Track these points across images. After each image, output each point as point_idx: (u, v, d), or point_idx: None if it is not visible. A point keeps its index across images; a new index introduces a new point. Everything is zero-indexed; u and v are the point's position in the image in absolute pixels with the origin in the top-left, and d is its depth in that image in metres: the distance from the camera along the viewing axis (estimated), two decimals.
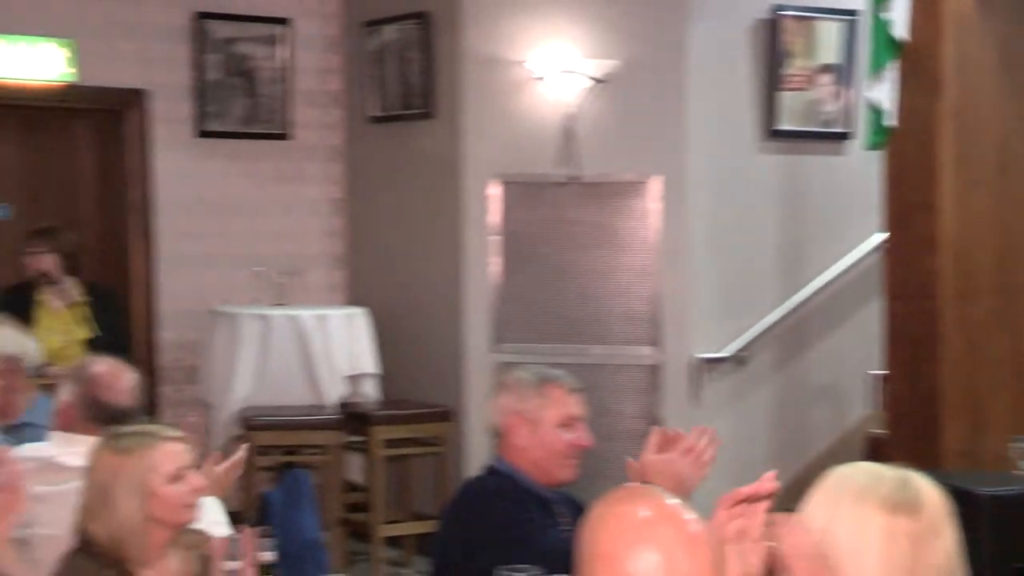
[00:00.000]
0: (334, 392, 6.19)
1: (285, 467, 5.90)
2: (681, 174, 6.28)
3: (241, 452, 3.52)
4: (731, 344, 6.40)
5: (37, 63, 6.28)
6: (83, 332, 5.31)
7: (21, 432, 3.78)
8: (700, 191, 6.32)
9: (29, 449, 3.38)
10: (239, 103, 6.83)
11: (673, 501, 1.73)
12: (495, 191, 6.35)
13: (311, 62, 7.03)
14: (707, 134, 6.33)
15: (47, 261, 5.63)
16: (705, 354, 6.33)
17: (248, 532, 2.66)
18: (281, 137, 6.95)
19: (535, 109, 6.30)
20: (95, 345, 5.12)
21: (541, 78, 6.24)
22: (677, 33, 6.29)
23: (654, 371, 6.27)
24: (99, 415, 3.30)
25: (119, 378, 3.44)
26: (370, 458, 6.10)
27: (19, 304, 5.54)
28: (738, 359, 6.41)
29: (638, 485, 2.22)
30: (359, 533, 6.26)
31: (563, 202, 6.33)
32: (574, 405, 3.18)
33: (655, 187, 6.25)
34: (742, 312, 6.44)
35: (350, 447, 6.27)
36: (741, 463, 4.69)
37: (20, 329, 4.29)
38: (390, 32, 6.68)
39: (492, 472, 3.20)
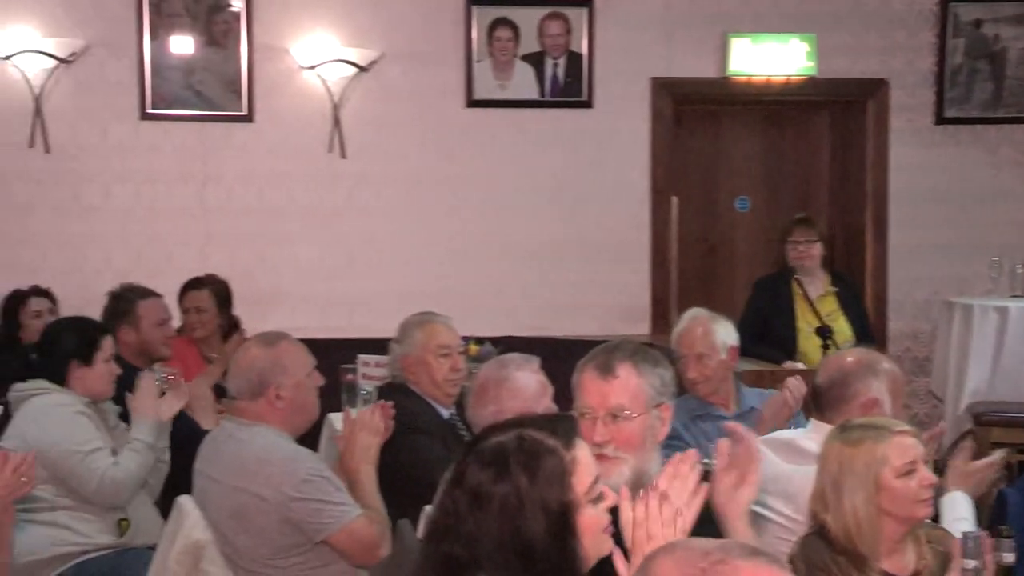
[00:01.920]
0: None
1: (1021, 466, 5.64)
2: None
3: (999, 455, 3.42)
4: None
5: (779, 59, 6.53)
6: (833, 322, 5.30)
7: (748, 417, 3.95)
8: None
9: (778, 432, 3.55)
10: (983, 87, 6.62)
11: None
12: None
13: None
14: None
15: (815, 250, 5.69)
16: None
17: (987, 532, 2.59)
18: None
19: None
20: (823, 334, 5.13)
21: None
22: None
23: None
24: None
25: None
26: None
27: (777, 293, 5.69)
28: None
29: None
30: None
31: None
32: None
33: None
34: None
35: None
36: None
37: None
38: None
39: None
